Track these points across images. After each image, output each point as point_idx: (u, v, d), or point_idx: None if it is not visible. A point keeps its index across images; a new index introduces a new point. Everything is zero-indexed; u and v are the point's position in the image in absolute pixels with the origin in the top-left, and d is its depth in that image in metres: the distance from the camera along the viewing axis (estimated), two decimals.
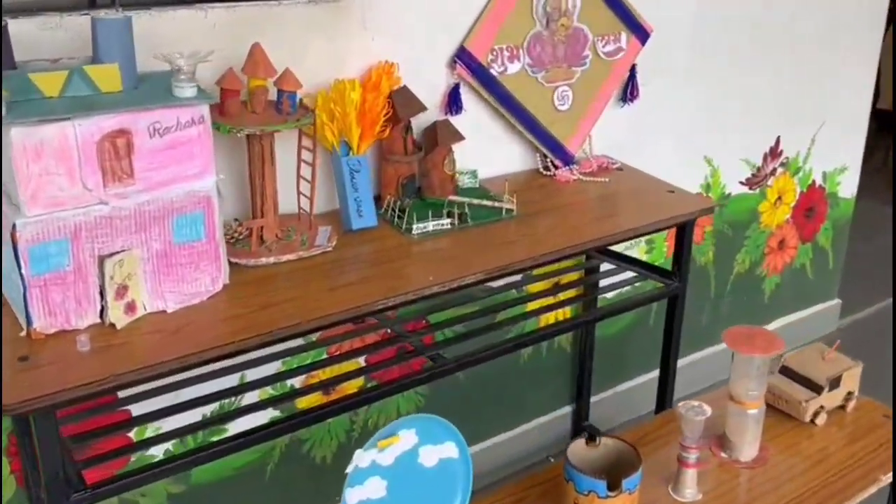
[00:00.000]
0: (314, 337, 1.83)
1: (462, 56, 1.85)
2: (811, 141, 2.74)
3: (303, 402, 1.89)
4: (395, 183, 1.77)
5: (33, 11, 1.38)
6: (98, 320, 1.31)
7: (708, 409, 1.40)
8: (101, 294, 1.30)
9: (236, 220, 1.61)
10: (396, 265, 1.59)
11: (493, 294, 1.93)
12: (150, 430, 1.69)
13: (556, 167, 2.07)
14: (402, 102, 1.72)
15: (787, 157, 2.70)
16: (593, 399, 2.48)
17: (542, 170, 2.06)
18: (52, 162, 1.19)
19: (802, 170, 2.76)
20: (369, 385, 1.94)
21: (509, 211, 1.79)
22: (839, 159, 2.87)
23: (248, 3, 1.57)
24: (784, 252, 2.84)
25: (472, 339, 1.75)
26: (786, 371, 1.67)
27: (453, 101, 1.87)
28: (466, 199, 1.80)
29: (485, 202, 1.80)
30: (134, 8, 1.45)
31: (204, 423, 1.60)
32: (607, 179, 2.05)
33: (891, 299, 3.27)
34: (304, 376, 1.86)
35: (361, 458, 1.21)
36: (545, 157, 2.06)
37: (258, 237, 1.57)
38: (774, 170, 2.68)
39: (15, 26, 1.33)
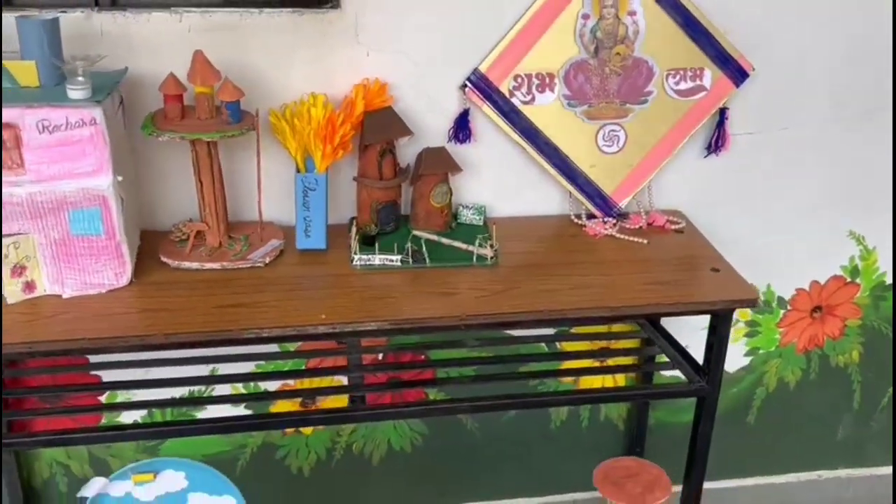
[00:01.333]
0: (292, 347, 1.83)
1: (475, 80, 1.67)
2: None
3: (276, 407, 1.89)
4: (369, 208, 1.66)
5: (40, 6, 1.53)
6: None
7: None
8: None
9: (190, 220, 1.65)
10: (310, 294, 1.50)
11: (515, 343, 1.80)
12: (121, 397, 1.81)
13: (592, 217, 1.79)
14: (376, 124, 1.60)
15: None
16: None
17: (573, 217, 1.79)
18: None
19: None
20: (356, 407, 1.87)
21: (481, 258, 1.59)
22: None
23: (226, 9, 1.58)
24: None
25: (483, 384, 1.70)
26: None
27: (460, 129, 1.70)
28: (435, 236, 1.63)
29: (456, 244, 1.62)
30: (109, 9, 1.54)
31: (172, 402, 1.72)
32: (646, 241, 1.72)
33: None
34: (279, 383, 1.86)
35: (110, 486, 1.18)
36: (581, 203, 1.79)
37: (193, 241, 1.59)
38: None
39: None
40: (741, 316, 2.03)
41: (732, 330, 1.96)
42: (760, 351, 2.08)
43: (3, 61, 1.37)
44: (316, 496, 2.00)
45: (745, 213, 1.91)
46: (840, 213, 1.97)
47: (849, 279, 2.04)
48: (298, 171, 1.60)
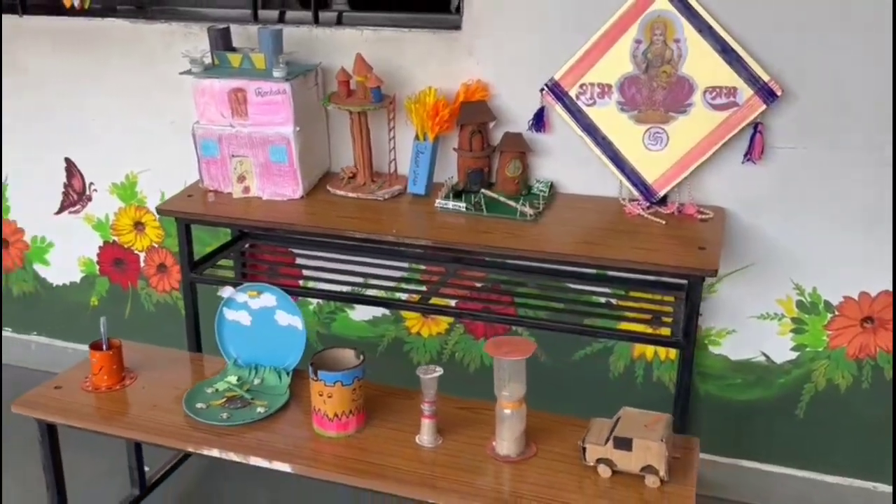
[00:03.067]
0: (421, 268, 2.56)
1: (550, 85, 2.24)
2: None
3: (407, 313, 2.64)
4: (463, 171, 2.33)
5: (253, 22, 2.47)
6: (230, 189, 2.40)
7: (439, 370, 1.73)
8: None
9: (350, 166, 2.46)
10: (399, 219, 2.22)
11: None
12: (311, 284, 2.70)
13: (634, 199, 2.24)
14: (467, 111, 2.27)
15: None
16: None
17: (621, 200, 2.26)
18: (210, 99, 2.30)
19: None
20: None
21: (523, 214, 2.17)
22: None
23: (390, 28, 2.37)
24: None
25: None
26: (618, 423, 1.71)
27: (537, 121, 2.28)
28: (495, 195, 2.25)
29: (509, 202, 2.22)
30: (321, 25, 2.42)
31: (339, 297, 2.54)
32: (664, 222, 2.14)
33: None
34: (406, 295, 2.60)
35: (236, 293, 2.03)
36: (628, 188, 2.25)
37: (348, 179, 2.40)
38: None
39: (240, 29, 2.44)
40: (787, 311, 2.28)
41: (778, 324, 2.28)
42: (808, 349, 2.29)
43: (250, 54, 2.31)
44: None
45: (787, 218, 2.18)
46: (882, 232, 2.12)
47: None
48: (416, 139, 2.33)
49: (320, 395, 1.80)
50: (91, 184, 2.88)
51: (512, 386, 1.71)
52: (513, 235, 2.10)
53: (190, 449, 1.83)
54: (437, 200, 2.26)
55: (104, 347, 2.02)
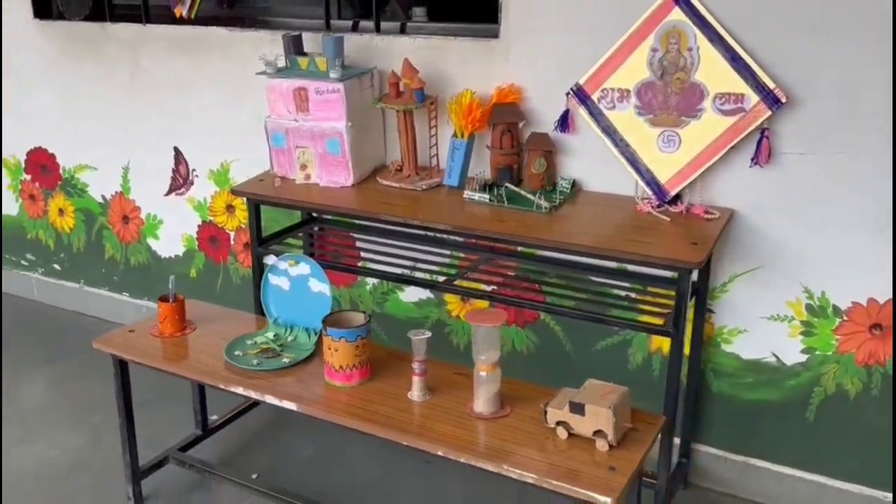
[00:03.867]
0: (460, 254, 2.81)
1: (575, 89, 2.43)
2: None
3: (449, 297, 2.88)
4: (494, 167, 2.55)
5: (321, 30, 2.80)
6: (294, 175, 2.74)
7: (427, 333, 1.97)
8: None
9: (398, 160, 2.74)
10: (430, 207, 2.47)
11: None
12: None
13: (647, 198, 2.38)
14: (499, 112, 2.49)
15: None
16: None
17: (636, 198, 2.40)
18: (278, 96, 2.65)
19: None
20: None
21: (539, 206, 2.37)
22: None
23: (438, 36, 2.64)
24: None
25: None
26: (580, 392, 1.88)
27: (562, 122, 2.47)
28: (516, 189, 2.45)
29: (529, 196, 2.42)
30: (380, 34, 2.72)
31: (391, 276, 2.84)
32: (669, 219, 2.27)
33: None
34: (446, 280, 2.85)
35: (279, 262, 2.35)
36: (643, 187, 2.39)
37: (396, 171, 2.68)
38: None
39: (316, 37, 2.77)
40: (796, 314, 2.33)
41: (788, 326, 2.36)
42: (817, 352, 2.34)
43: (315, 58, 2.65)
44: (465, 359, 2.92)
45: (796, 222, 2.26)
46: (890, 241, 2.15)
47: None
48: (454, 136, 2.58)
49: (329, 349, 2.08)
50: (193, 170, 3.32)
51: (488, 351, 1.92)
52: (523, 225, 2.30)
53: (221, 385, 2.16)
54: (466, 192, 2.50)
55: (171, 300, 2.40)
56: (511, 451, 1.83)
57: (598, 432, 1.81)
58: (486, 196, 2.46)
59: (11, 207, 3.93)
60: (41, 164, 3.74)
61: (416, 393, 2.04)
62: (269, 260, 2.35)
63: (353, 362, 2.08)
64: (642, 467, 1.82)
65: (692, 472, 2.61)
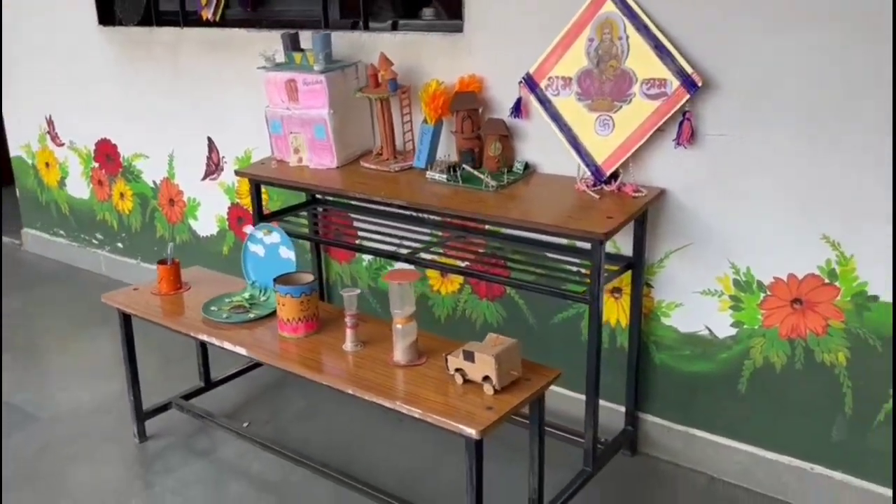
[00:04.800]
0: (439, 233, 3.06)
1: (526, 79, 2.63)
2: None
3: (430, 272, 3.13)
4: (459, 150, 2.79)
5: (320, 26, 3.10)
6: (289, 158, 3.06)
7: (357, 290, 2.24)
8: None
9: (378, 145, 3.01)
10: (398, 185, 2.73)
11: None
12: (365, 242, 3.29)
13: (586, 179, 2.55)
14: (459, 100, 2.73)
15: None
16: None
17: (577, 178, 2.58)
18: (274, 87, 2.98)
19: None
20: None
21: (488, 185, 2.59)
22: None
23: (414, 32, 2.90)
24: None
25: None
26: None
27: (516, 109, 2.68)
28: (472, 170, 2.67)
29: (480, 176, 2.64)
30: (364, 31, 3.01)
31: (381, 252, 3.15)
32: (598, 197, 2.45)
33: None
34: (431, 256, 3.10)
35: (256, 231, 2.67)
36: (584, 168, 2.56)
37: (377, 155, 2.96)
38: None
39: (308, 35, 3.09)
40: (725, 289, 2.45)
41: (718, 300, 2.50)
42: (745, 325, 2.44)
43: (307, 53, 2.97)
44: (445, 331, 3.16)
45: (721, 200, 2.38)
46: (809, 219, 2.24)
47: (826, 280, 2.26)
48: (424, 122, 2.83)
49: (280, 304, 2.38)
50: (223, 157, 3.72)
51: (403, 307, 2.16)
52: (470, 201, 2.52)
53: (191, 334, 2.50)
54: (427, 172, 2.75)
55: (168, 263, 2.77)
56: (417, 394, 2.07)
57: (486, 378, 2.02)
58: (444, 176, 2.70)
59: (84, 192, 4.47)
60: (106, 153, 4.25)
61: (348, 344, 2.30)
62: (247, 229, 2.68)
63: (298, 316, 2.37)
64: (520, 409, 2.02)
65: (641, 441, 2.75)
